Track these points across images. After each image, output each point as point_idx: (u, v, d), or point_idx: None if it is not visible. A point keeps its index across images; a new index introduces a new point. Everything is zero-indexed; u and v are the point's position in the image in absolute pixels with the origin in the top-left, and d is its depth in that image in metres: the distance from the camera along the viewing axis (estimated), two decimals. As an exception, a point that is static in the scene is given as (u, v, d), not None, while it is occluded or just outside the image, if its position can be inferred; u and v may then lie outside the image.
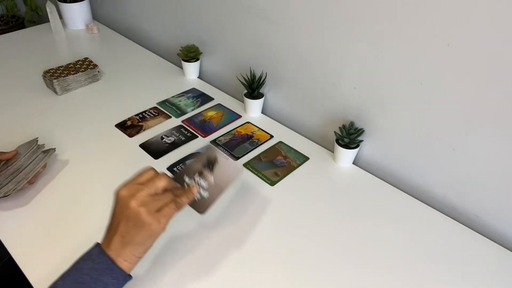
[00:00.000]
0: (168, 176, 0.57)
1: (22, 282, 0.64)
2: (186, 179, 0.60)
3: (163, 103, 1.07)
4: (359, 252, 0.70)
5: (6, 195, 0.71)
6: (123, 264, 0.53)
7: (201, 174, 0.62)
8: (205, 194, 0.61)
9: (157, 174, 0.57)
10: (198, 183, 0.60)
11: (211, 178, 0.62)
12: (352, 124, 0.87)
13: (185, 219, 0.74)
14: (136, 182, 0.55)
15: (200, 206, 0.62)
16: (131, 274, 0.55)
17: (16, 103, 1.04)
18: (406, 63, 0.74)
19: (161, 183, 0.55)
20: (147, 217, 0.52)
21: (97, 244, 0.55)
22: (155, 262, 0.66)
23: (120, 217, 0.53)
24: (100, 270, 0.53)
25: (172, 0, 1.19)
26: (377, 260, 0.69)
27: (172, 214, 0.55)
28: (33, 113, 1.00)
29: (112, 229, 0.54)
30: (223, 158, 0.63)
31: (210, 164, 0.62)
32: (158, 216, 0.53)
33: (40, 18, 2.02)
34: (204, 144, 0.93)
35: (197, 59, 1.17)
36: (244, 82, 1.01)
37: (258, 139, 0.96)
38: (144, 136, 0.95)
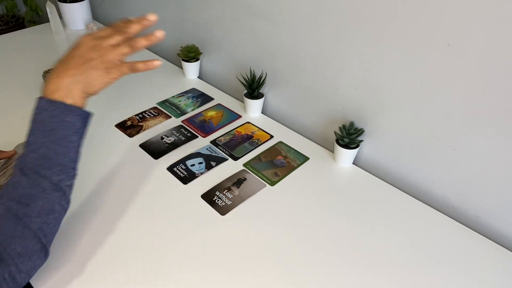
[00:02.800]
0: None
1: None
2: None
3: (163, 103, 1.07)
4: (359, 252, 0.70)
5: None
6: (76, 101, 0.57)
7: (229, 189, 0.80)
8: (228, 202, 0.77)
9: (115, 30, 0.61)
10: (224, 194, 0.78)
11: (236, 191, 0.80)
12: (352, 124, 0.87)
13: (185, 219, 0.74)
14: (98, 35, 0.60)
15: (223, 210, 0.76)
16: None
17: (16, 103, 1.04)
18: (406, 63, 0.74)
19: (119, 38, 0.60)
20: (100, 65, 0.57)
21: (40, 97, 0.57)
22: (153, 261, 0.66)
23: (76, 59, 0.57)
24: (60, 114, 0.56)
25: (172, 0, 1.19)
26: (377, 260, 0.69)
27: (127, 72, 0.62)
28: (33, 113, 1.00)
29: (61, 70, 0.57)
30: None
31: (240, 181, 0.83)
32: (111, 68, 0.59)
33: (40, 18, 2.02)
34: (204, 144, 0.93)
35: (197, 59, 1.17)
36: (244, 82, 1.01)
37: (258, 139, 0.96)
38: (144, 136, 0.95)
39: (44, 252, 0.55)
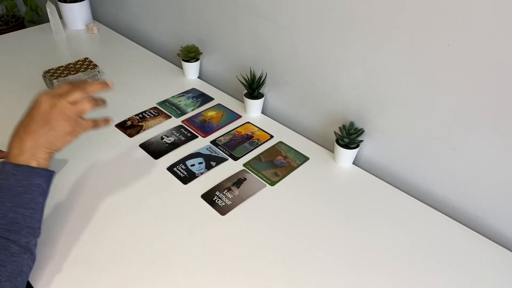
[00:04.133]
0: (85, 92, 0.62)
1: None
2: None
3: (163, 103, 1.07)
4: (359, 252, 0.70)
5: None
6: (41, 163, 0.58)
7: (229, 189, 0.80)
8: (229, 202, 0.77)
9: (74, 87, 0.61)
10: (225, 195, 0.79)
11: (236, 191, 0.80)
12: (352, 124, 0.87)
13: (185, 219, 0.74)
14: (56, 93, 0.60)
15: (223, 210, 0.75)
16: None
17: (16, 103, 1.04)
18: (406, 63, 0.74)
19: (78, 95, 0.60)
20: (61, 124, 0.58)
21: (4, 163, 0.57)
22: (153, 261, 0.66)
23: (36, 120, 0.58)
24: (26, 178, 0.56)
25: (172, 0, 1.19)
26: (377, 260, 0.69)
27: (88, 129, 0.63)
28: (33, 113, 1.00)
29: (23, 134, 0.58)
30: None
31: (240, 181, 0.82)
32: (74, 125, 0.60)
33: (40, 18, 2.02)
34: (204, 144, 0.93)
35: (197, 59, 1.17)
36: (244, 82, 1.01)
37: (258, 139, 0.96)
38: (144, 136, 0.95)
39: None
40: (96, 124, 0.64)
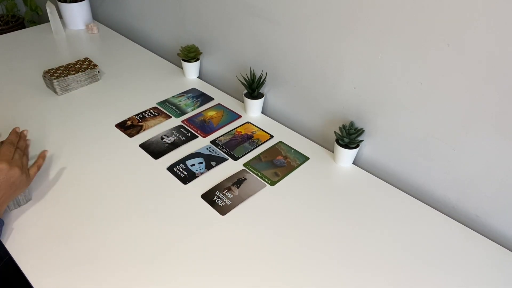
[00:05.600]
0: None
1: (22, 282, 0.64)
2: None
3: (163, 103, 1.07)
4: (359, 252, 0.70)
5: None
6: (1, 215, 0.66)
7: (229, 189, 0.80)
8: (229, 202, 0.78)
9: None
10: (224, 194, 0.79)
11: (236, 191, 0.80)
12: (352, 124, 0.87)
13: (185, 219, 0.74)
14: (7, 155, 0.70)
15: (223, 210, 0.76)
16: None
17: (16, 103, 1.04)
18: (406, 63, 0.74)
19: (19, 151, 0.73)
20: (22, 181, 0.69)
21: None
22: (153, 260, 0.66)
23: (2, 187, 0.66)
24: None
25: (172, 0, 1.19)
26: (376, 260, 0.69)
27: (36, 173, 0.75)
28: (33, 113, 1.00)
29: None
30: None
31: (240, 181, 0.82)
32: (27, 175, 0.72)
33: (40, 18, 2.02)
34: (204, 144, 0.93)
35: (197, 59, 1.17)
36: (244, 82, 1.01)
37: (258, 139, 0.96)
38: (144, 136, 0.95)
39: None
40: (39, 165, 0.76)
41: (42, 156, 0.79)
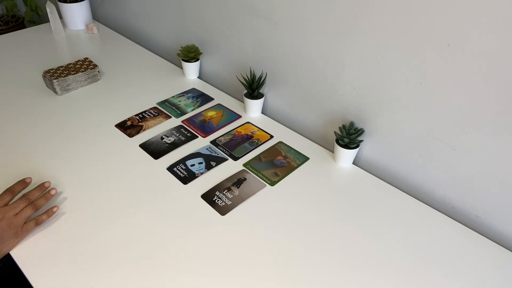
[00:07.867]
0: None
1: (22, 282, 0.64)
2: None
3: (163, 103, 1.07)
4: (359, 252, 0.70)
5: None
6: None
7: (229, 189, 0.80)
8: (229, 202, 0.78)
9: (17, 199, 0.68)
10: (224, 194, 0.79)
11: (236, 191, 0.80)
12: (352, 124, 0.87)
13: (185, 219, 0.74)
14: (2, 203, 0.67)
15: (223, 210, 0.76)
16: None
17: (16, 103, 1.04)
18: (406, 63, 0.74)
19: (22, 205, 0.68)
20: (8, 234, 0.65)
21: None
22: (153, 260, 0.66)
23: None
24: None
25: (172, 0, 1.19)
26: (376, 260, 0.69)
27: (32, 229, 0.69)
28: (33, 113, 1.00)
29: None
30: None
31: (240, 181, 0.82)
32: (18, 232, 0.66)
33: (40, 18, 2.02)
34: (204, 144, 0.93)
35: (197, 59, 1.17)
36: (244, 82, 1.01)
37: (258, 139, 0.96)
38: (144, 136, 0.95)
39: None
40: (39, 221, 0.69)
41: (48, 212, 0.70)
